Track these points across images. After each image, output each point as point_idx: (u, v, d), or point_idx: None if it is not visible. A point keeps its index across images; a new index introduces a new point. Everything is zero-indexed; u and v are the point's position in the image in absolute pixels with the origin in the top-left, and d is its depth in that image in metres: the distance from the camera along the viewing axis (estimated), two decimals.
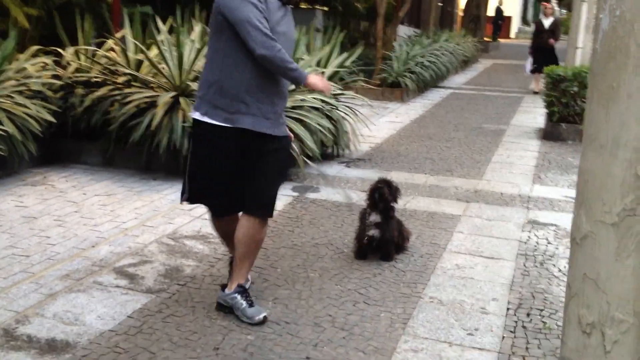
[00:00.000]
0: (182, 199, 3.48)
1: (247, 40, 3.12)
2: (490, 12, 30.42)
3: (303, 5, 17.46)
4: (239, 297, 3.42)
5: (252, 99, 3.26)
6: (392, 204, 4.22)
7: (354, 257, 4.29)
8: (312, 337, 3.25)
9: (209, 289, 3.74)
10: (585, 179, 1.72)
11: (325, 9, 16.97)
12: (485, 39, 27.96)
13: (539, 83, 12.95)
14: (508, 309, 3.64)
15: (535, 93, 13.10)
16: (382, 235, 4.17)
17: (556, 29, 13.16)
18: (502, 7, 31.34)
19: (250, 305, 3.40)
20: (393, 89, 11.71)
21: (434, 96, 12.74)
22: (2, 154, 5.31)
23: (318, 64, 7.03)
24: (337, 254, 4.35)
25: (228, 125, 3.27)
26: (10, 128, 5.22)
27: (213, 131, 3.28)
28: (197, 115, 3.32)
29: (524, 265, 4.26)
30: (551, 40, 12.83)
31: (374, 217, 4.17)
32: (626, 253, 1.64)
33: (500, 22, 31.75)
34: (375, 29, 12.78)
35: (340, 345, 3.19)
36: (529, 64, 13.21)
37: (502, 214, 5.33)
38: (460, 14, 27.29)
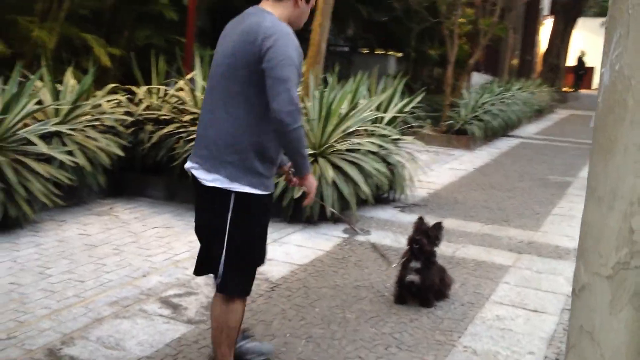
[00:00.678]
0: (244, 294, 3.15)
1: (278, 102, 2.71)
2: (572, 61, 29.93)
3: (378, 51, 17.77)
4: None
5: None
6: (433, 251, 4.24)
7: (394, 301, 4.32)
8: None
9: (245, 323, 3.85)
10: (585, 231, 1.76)
11: (399, 55, 17.20)
12: (565, 89, 27.46)
13: None
14: None
15: None
16: (422, 282, 4.19)
17: None
18: (584, 58, 30.79)
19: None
20: (459, 136, 11.69)
21: (502, 145, 12.62)
22: (73, 184, 5.65)
23: (378, 108, 7.16)
24: (377, 297, 4.39)
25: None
26: (81, 160, 5.57)
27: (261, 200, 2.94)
28: (237, 187, 2.86)
29: (568, 321, 4.17)
30: None
31: (414, 263, 4.20)
32: (619, 306, 1.66)
33: (582, 72, 31.16)
34: (446, 75, 12.85)
35: None
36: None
37: (554, 267, 5.24)
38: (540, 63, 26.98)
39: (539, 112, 17.90)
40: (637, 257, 1.66)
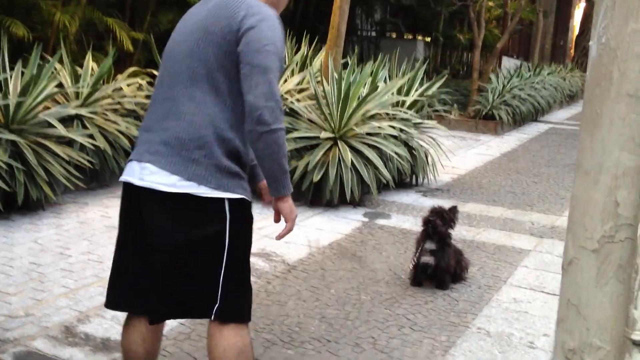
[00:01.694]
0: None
1: (256, 95, 2.18)
2: None
3: (406, 36, 17.64)
4: None
5: None
6: (447, 232, 4.21)
7: (410, 283, 4.31)
8: (350, 357, 3.30)
9: (261, 304, 3.88)
10: (573, 205, 1.73)
11: (427, 39, 17.06)
12: None
13: None
14: None
15: None
16: (437, 263, 4.17)
17: None
18: None
19: None
20: (487, 121, 11.56)
21: (531, 130, 12.44)
22: (95, 167, 5.73)
23: (399, 92, 7.11)
24: (393, 280, 4.38)
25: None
26: (101, 143, 5.64)
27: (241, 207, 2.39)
28: (206, 191, 2.26)
29: None
30: None
31: (429, 245, 4.18)
32: (605, 280, 1.63)
33: None
34: (474, 60, 12.70)
35: None
36: None
37: None
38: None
39: (571, 98, 17.60)
40: (622, 231, 1.64)
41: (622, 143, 1.63)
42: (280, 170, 2.29)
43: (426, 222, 4.17)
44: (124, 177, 2.36)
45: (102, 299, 3.81)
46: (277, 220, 2.55)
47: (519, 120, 12.21)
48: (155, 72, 6.95)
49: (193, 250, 2.30)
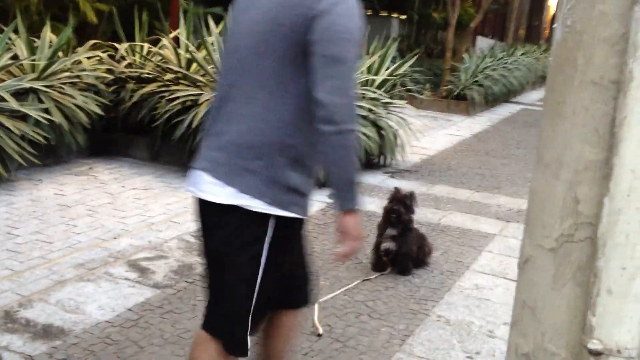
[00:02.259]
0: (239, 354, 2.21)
1: (326, 90, 1.94)
2: None
3: (381, 13, 17.42)
4: None
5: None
6: (410, 219, 4.09)
7: (371, 268, 4.19)
8: (304, 346, 3.18)
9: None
10: (532, 199, 1.60)
11: (402, 17, 16.86)
12: None
13: None
14: None
15: None
16: (398, 249, 4.06)
17: None
18: None
19: None
20: (459, 101, 11.46)
21: (503, 111, 12.38)
22: (51, 143, 5.50)
23: (369, 71, 6.95)
24: (354, 264, 4.26)
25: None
26: (58, 118, 5.41)
27: (289, 227, 2.14)
28: (260, 206, 2.03)
29: None
30: None
31: (390, 230, 4.06)
32: (562, 281, 1.50)
33: None
34: (447, 39, 12.55)
35: (330, 357, 3.11)
36: None
37: None
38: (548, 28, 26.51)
39: (543, 79, 17.57)
40: (581, 229, 1.51)
41: (585, 135, 1.49)
42: (346, 179, 2.04)
43: (388, 211, 4.05)
44: (189, 187, 2.18)
45: (48, 282, 3.65)
46: (340, 239, 2.14)
47: (491, 101, 12.14)
48: (117, 46, 6.69)
49: (225, 260, 2.12)
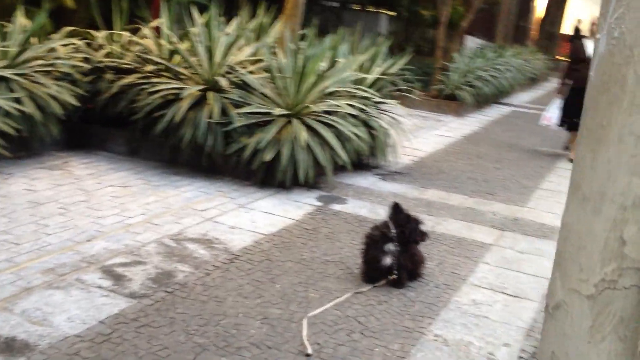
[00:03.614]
0: None
1: None
2: (567, 30, 29.30)
3: (369, 8, 17.15)
4: None
5: None
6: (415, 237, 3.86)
7: (362, 280, 3.93)
8: None
9: (196, 300, 3.46)
10: (565, 236, 1.34)
11: (391, 14, 16.60)
12: (559, 57, 26.94)
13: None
14: (520, 357, 3.21)
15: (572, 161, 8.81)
16: (395, 261, 3.80)
17: None
18: (581, 27, 30.13)
19: None
20: (449, 101, 11.23)
21: (493, 112, 12.18)
22: (23, 134, 5.17)
23: (360, 69, 6.68)
24: (345, 274, 4.00)
25: None
26: (29, 108, 5.08)
27: None
28: None
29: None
30: None
31: (391, 246, 3.79)
32: (601, 334, 1.25)
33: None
34: (437, 37, 12.31)
35: None
36: (553, 110, 8.49)
37: (538, 247, 4.86)
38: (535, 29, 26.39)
39: (533, 80, 17.44)
40: (627, 276, 1.26)
41: (634, 166, 1.23)
42: None
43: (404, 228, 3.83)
44: None
45: (13, 288, 3.35)
46: None
47: (481, 101, 11.93)
48: (95, 33, 6.33)
49: None
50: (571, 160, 7.81)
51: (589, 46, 8.07)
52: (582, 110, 1.34)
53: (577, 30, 30.27)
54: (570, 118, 8.13)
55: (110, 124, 6.04)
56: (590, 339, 1.26)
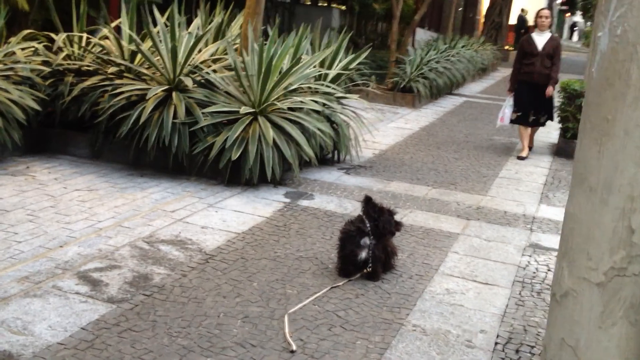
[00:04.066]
0: None
1: None
2: (513, 20, 29.90)
3: (321, 3, 17.21)
4: None
5: None
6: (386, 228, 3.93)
7: (337, 274, 4.00)
8: None
9: (175, 302, 3.47)
10: (571, 227, 1.42)
11: (342, 7, 16.70)
12: (507, 47, 27.50)
13: (525, 141, 8.06)
14: (496, 343, 3.33)
15: (522, 158, 7.87)
16: (370, 254, 3.88)
17: (556, 54, 7.85)
18: (526, 16, 30.78)
19: None
20: (405, 94, 11.39)
21: (447, 103, 12.40)
22: None
23: (322, 65, 6.74)
24: (320, 269, 4.06)
25: None
26: None
27: None
28: None
29: (520, 294, 3.95)
30: (549, 89, 7.77)
31: (367, 240, 3.87)
32: (612, 320, 1.34)
33: (523, 31, 31.13)
34: (391, 31, 12.45)
35: None
36: (507, 108, 8.13)
37: (502, 234, 5.01)
38: (482, 20, 26.85)
39: (483, 71, 17.78)
40: (636, 263, 1.35)
41: None
42: None
43: (378, 222, 3.89)
44: None
45: None
46: None
47: (435, 93, 12.13)
48: (53, 36, 6.22)
49: None
50: (520, 158, 7.78)
51: (539, 40, 7.86)
52: (584, 105, 1.42)
53: (521, 19, 30.95)
54: (523, 112, 7.98)
55: (71, 127, 5.95)
56: (601, 324, 1.34)
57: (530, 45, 7.91)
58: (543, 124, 8.23)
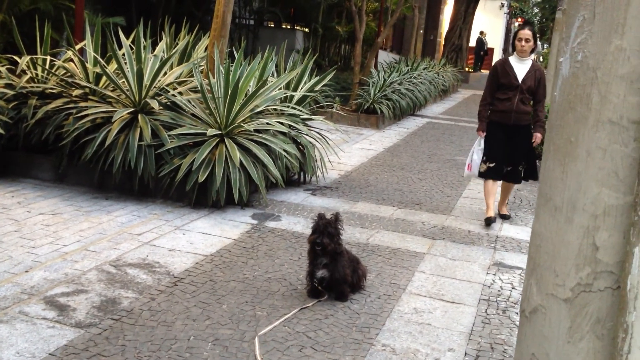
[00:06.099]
0: None
1: None
2: (473, 42, 30.53)
3: (284, 25, 17.35)
4: None
5: None
6: (338, 245, 3.94)
7: (307, 295, 4.03)
8: None
9: (144, 326, 3.45)
10: (538, 244, 1.49)
11: (306, 30, 16.86)
12: (467, 69, 28.06)
13: (491, 198, 6.06)
14: None
15: (490, 222, 5.87)
16: (331, 275, 3.92)
17: (541, 88, 5.92)
18: (485, 39, 31.46)
19: None
20: (369, 115, 11.54)
21: (410, 124, 12.59)
22: None
23: (287, 87, 6.80)
24: (289, 291, 4.08)
25: None
26: None
27: None
28: None
29: (486, 312, 4.02)
30: (537, 136, 5.86)
31: (321, 259, 3.91)
32: (579, 334, 1.40)
33: (483, 53, 31.82)
34: (354, 53, 12.62)
35: None
36: (476, 154, 6.28)
37: (467, 253, 5.11)
38: (443, 43, 27.37)
39: (444, 92, 18.10)
40: (601, 279, 1.42)
41: (603, 178, 1.41)
42: None
43: (313, 243, 3.89)
44: None
45: None
46: None
47: (398, 114, 12.31)
48: (16, 58, 6.15)
49: None
50: (488, 222, 5.81)
51: (519, 68, 5.85)
52: (547, 127, 1.50)
53: (480, 42, 31.61)
54: (496, 163, 6.00)
55: (35, 150, 5.89)
56: (569, 339, 1.40)
57: (506, 75, 5.86)
58: (519, 181, 6.22)
